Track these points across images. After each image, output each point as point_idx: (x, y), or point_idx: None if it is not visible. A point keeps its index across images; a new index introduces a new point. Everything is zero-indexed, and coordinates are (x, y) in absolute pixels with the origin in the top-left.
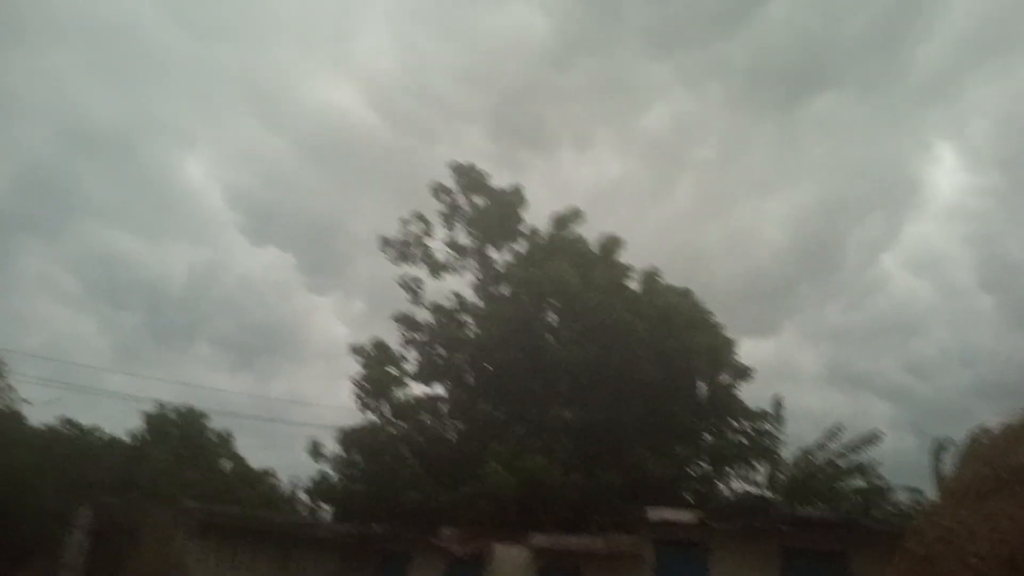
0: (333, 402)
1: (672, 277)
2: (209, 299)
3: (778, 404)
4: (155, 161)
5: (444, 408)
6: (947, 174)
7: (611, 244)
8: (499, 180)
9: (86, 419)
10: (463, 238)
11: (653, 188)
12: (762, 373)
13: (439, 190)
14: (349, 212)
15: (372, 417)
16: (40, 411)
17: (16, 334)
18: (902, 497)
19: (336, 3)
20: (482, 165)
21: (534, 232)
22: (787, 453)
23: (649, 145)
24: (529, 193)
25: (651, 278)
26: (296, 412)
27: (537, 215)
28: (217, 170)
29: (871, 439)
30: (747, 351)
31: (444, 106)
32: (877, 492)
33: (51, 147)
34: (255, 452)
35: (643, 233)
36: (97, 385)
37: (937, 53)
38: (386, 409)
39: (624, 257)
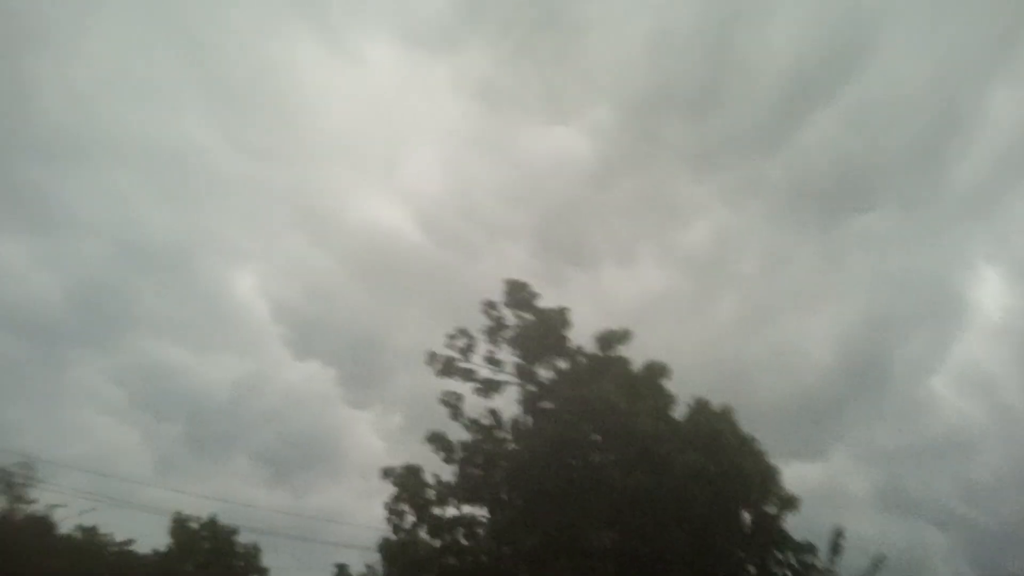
0: (368, 519)
1: (714, 394)
2: (250, 412)
3: (838, 534)
4: (206, 276)
5: (480, 529)
6: (992, 291)
7: (657, 370)
8: (541, 295)
9: (122, 530)
10: (506, 355)
11: (695, 302)
12: (811, 499)
13: (488, 306)
14: (392, 327)
15: (406, 536)
16: (74, 521)
17: (59, 443)
18: None
19: (386, 126)
20: (529, 281)
21: (579, 350)
22: None
23: (691, 260)
24: (571, 307)
25: (700, 405)
26: (330, 530)
27: (579, 329)
28: (265, 285)
29: None
30: (794, 474)
31: (488, 224)
32: None
33: (108, 262)
34: (288, 571)
35: (685, 347)
36: (134, 497)
37: (976, 170)
38: (421, 529)
39: (669, 378)
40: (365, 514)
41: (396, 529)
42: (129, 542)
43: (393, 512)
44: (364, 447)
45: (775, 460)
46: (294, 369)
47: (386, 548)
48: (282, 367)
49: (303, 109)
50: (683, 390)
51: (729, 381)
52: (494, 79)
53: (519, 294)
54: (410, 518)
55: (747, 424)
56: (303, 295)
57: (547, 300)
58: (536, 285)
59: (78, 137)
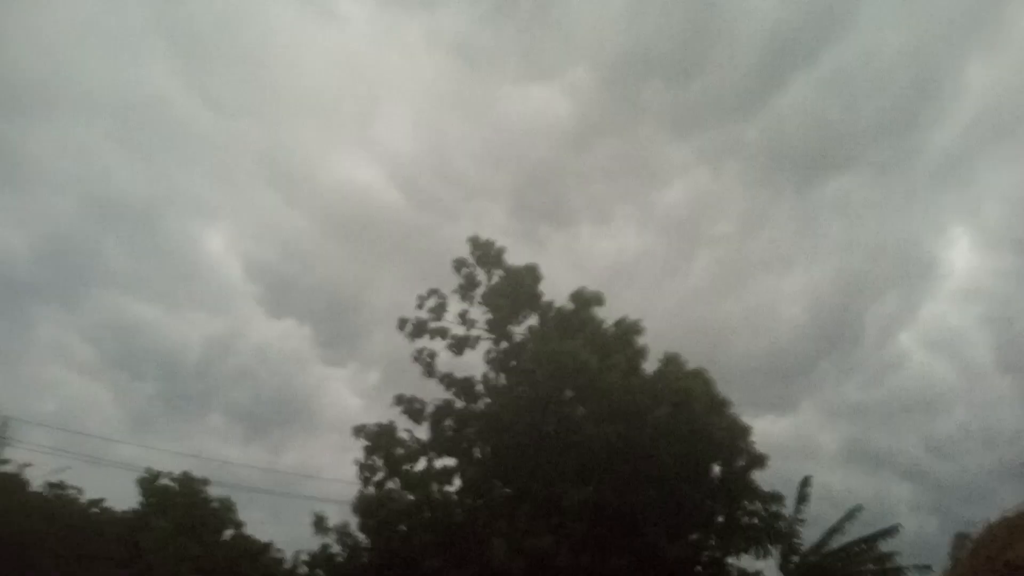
0: (344, 475)
1: (690, 352)
2: (225, 369)
3: (804, 484)
4: (176, 232)
5: (453, 483)
6: (963, 254)
7: (629, 327)
8: (518, 255)
9: (96, 488)
10: (478, 312)
11: (671, 263)
12: (781, 450)
13: (460, 264)
14: (368, 286)
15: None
16: (44, 479)
17: (29, 401)
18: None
19: (361, 84)
20: (502, 241)
21: (551, 308)
22: (807, 535)
23: (668, 221)
24: (548, 267)
25: (671, 361)
26: (306, 485)
27: (556, 288)
28: (237, 242)
29: (890, 532)
30: (766, 428)
31: (465, 184)
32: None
33: (75, 217)
34: (264, 526)
35: (661, 307)
36: (108, 455)
37: (950, 136)
38: (394, 483)
39: (643, 336)
40: (341, 470)
41: (367, 483)
42: (99, 501)
43: (365, 468)
44: (340, 404)
45: (747, 414)
46: (268, 327)
47: (360, 503)
48: (256, 325)
49: (275, 64)
50: (658, 348)
51: (704, 340)
52: (471, 37)
53: (487, 251)
54: (381, 473)
55: (721, 381)
56: (276, 253)
57: (525, 259)
58: (513, 245)
59: (44, 90)
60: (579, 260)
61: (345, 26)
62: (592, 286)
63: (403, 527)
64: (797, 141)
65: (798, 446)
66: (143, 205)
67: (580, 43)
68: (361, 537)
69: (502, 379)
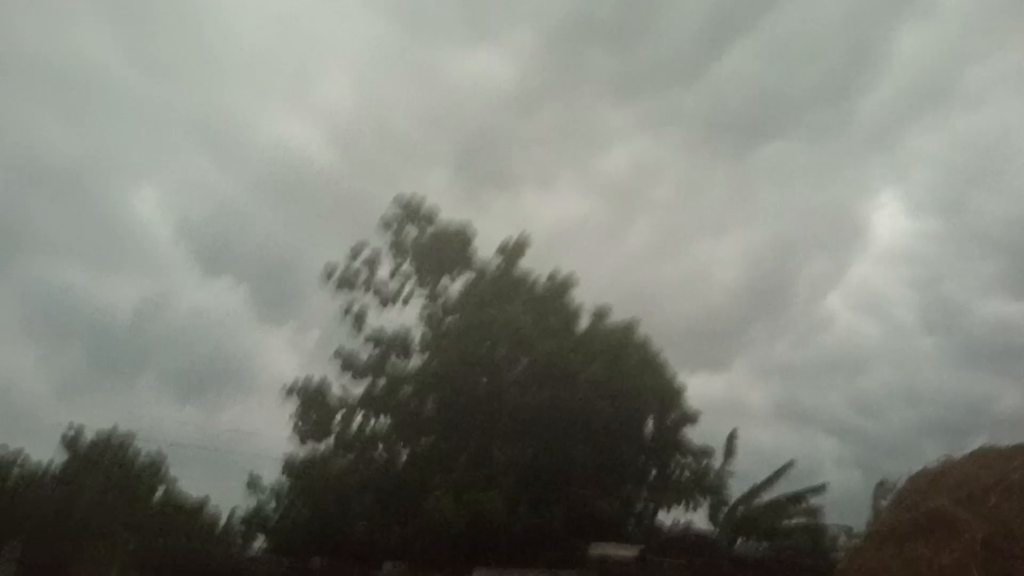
0: (283, 434)
1: (628, 314)
2: (158, 331)
3: (732, 437)
4: (104, 195)
5: (389, 441)
6: (890, 219)
7: (564, 283)
8: (461, 219)
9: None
10: (411, 269)
11: (611, 227)
12: (713, 408)
13: (387, 223)
14: (306, 248)
15: (310, 451)
16: None
17: None
18: (841, 536)
19: (297, 45)
20: (444, 204)
21: (484, 268)
22: (734, 489)
23: (608, 185)
24: (490, 230)
25: (600, 316)
26: (245, 445)
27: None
28: (170, 204)
29: (818, 490)
30: (699, 386)
31: (406, 148)
32: (818, 532)
33: (0, 181)
34: (200, 485)
35: (601, 271)
36: (38, 421)
37: (881, 103)
38: (329, 442)
39: (580, 294)
40: (280, 430)
41: (302, 441)
42: (19, 451)
43: (298, 427)
44: (278, 364)
45: (682, 373)
46: (203, 287)
47: (289, 465)
48: (190, 286)
49: (208, 24)
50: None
51: (642, 302)
52: None
53: (416, 209)
54: (318, 429)
55: (658, 341)
56: (210, 214)
57: (467, 223)
58: (455, 209)
59: None
60: (521, 224)
61: None
62: (533, 249)
63: (333, 490)
64: (735, 108)
65: (730, 404)
66: (71, 167)
67: (523, 5)
68: (295, 497)
69: (435, 338)
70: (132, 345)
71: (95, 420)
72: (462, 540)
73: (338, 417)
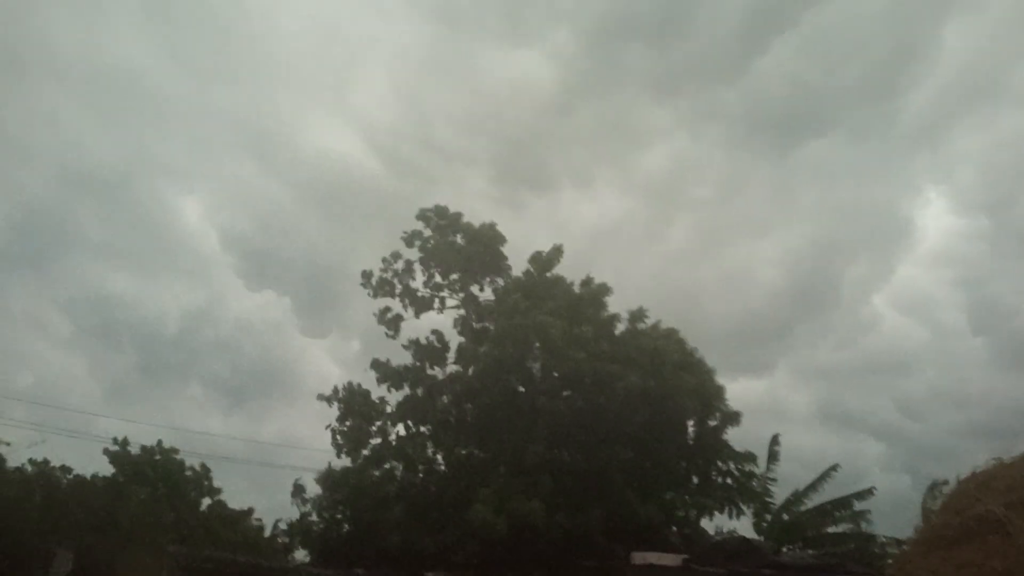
0: (324, 444)
1: (667, 315)
2: (203, 341)
3: (774, 442)
4: (151, 202)
5: (427, 449)
6: (936, 218)
7: (598, 291)
8: (500, 220)
9: (73, 462)
10: (441, 278)
11: (651, 227)
12: (755, 412)
13: (412, 236)
14: (348, 255)
15: (349, 461)
16: (22, 453)
17: (4, 375)
18: (889, 542)
19: (337, 50)
20: (482, 207)
21: (516, 275)
22: (778, 495)
23: (648, 185)
24: (529, 232)
25: (637, 319)
26: (287, 455)
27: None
28: (214, 212)
29: (864, 494)
30: (741, 390)
31: (445, 151)
32: (865, 538)
33: (48, 187)
34: (245, 495)
35: (641, 271)
36: (85, 428)
37: (926, 101)
38: (367, 451)
39: (616, 301)
40: (322, 439)
41: (340, 451)
42: (69, 470)
43: (339, 435)
44: (321, 374)
45: (723, 377)
46: (247, 298)
47: (325, 477)
48: (234, 296)
49: (250, 30)
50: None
51: (682, 303)
52: (451, 0)
53: (438, 218)
54: (357, 437)
55: (698, 344)
56: (254, 223)
57: (507, 225)
58: (494, 211)
59: (14, 56)
60: (560, 225)
61: None
62: (573, 250)
63: (370, 500)
64: (777, 105)
65: (773, 408)
66: (117, 174)
67: (562, 6)
68: (340, 501)
69: (471, 346)
70: (179, 353)
71: (141, 428)
72: (501, 548)
73: (376, 426)
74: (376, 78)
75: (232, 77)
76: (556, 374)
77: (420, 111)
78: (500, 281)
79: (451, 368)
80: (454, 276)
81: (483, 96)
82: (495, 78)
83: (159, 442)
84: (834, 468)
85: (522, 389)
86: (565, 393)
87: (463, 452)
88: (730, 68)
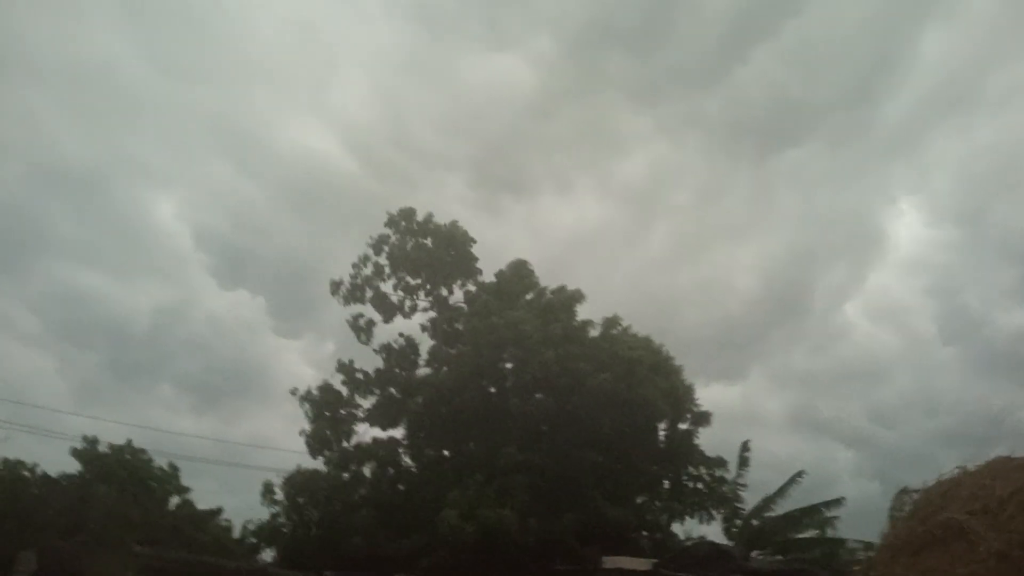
0: (297, 445)
1: (644, 321)
2: (175, 340)
3: (744, 448)
4: (124, 200)
5: (399, 452)
6: (909, 227)
7: (571, 297)
8: (479, 224)
9: (42, 461)
10: (412, 280)
11: (629, 233)
12: (729, 418)
13: (379, 242)
14: (324, 256)
15: (322, 463)
16: None
17: None
18: (859, 546)
19: (315, 50)
20: (461, 210)
21: (490, 280)
22: (749, 499)
23: (627, 191)
24: (508, 236)
25: (611, 325)
26: (259, 456)
27: (514, 256)
28: (187, 211)
29: (834, 503)
30: (715, 395)
31: (424, 153)
32: (832, 543)
33: (20, 184)
34: (216, 495)
35: (618, 277)
36: (54, 426)
37: (902, 110)
38: (339, 454)
39: (593, 304)
40: (295, 441)
41: (314, 453)
42: (33, 467)
43: (311, 437)
44: (294, 375)
45: (698, 382)
46: (220, 298)
47: (290, 481)
48: (207, 295)
49: (226, 29)
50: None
51: (659, 309)
52: (431, 3)
53: (406, 221)
54: (326, 438)
55: (674, 349)
56: (228, 222)
57: (484, 230)
58: (473, 215)
59: None
60: (539, 230)
61: None
62: (551, 255)
63: (338, 503)
64: (756, 113)
65: (746, 414)
66: (90, 172)
67: (543, 11)
68: (306, 505)
69: (441, 346)
70: (150, 352)
71: (112, 428)
72: (471, 553)
73: (346, 428)
74: (354, 79)
75: (208, 76)
76: (528, 375)
77: (399, 112)
78: (470, 285)
79: (422, 371)
80: (420, 280)
81: (462, 99)
82: (475, 81)
83: (128, 441)
84: (800, 475)
85: (494, 391)
86: (537, 395)
87: (433, 454)
88: (710, 76)
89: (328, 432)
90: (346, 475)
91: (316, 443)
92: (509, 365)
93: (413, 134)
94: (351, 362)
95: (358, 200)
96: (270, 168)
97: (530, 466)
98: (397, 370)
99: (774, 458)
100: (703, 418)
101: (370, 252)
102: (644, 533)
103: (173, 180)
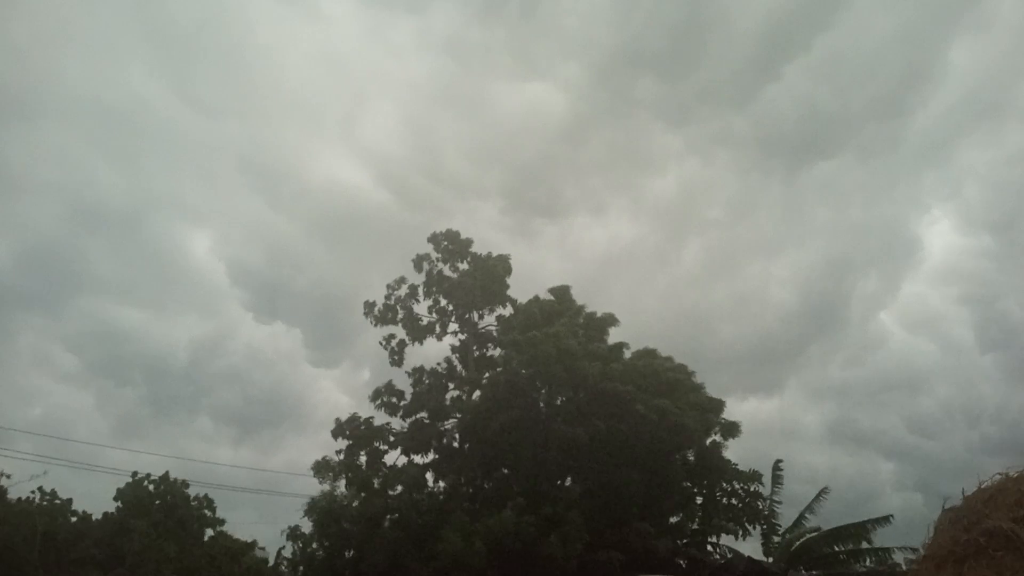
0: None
1: (680, 338)
2: (212, 374)
3: (776, 468)
4: (160, 237)
5: (429, 479)
6: (942, 235)
7: (604, 321)
8: (513, 249)
9: (83, 495)
10: (445, 302)
11: (663, 250)
12: (766, 432)
13: (420, 260)
14: (359, 287)
15: (352, 488)
16: (24, 486)
17: (13, 410)
18: (899, 559)
19: (346, 84)
20: (494, 237)
21: (526, 302)
22: (786, 515)
23: (659, 209)
24: (541, 259)
25: (648, 355)
26: (297, 484)
27: (550, 279)
28: (222, 246)
29: (882, 521)
30: (752, 409)
31: (457, 182)
32: (880, 553)
33: (58, 224)
34: (254, 526)
35: (652, 294)
36: (94, 461)
37: (933, 120)
38: (374, 481)
39: (627, 324)
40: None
41: (336, 478)
42: (68, 503)
43: (346, 466)
44: (331, 404)
45: (734, 397)
46: (257, 331)
47: (311, 509)
48: (244, 329)
49: (258, 64)
50: (648, 336)
51: (694, 325)
52: (461, 35)
53: (452, 244)
54: (354, 465)
55: (710, 366)
56: (263, 256)
57: (519, 253)
58: (506, 239)
59: (19, 93)
60: (572, 251)
61: (329, 25)
62: (584, 275)
63: (359, 530)
64: (787, 128)
65: (783, 427)
66: (126, 209)
67: (572, 39)
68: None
69: (473, 370)
70: (188, 387)
71: (151, 461)
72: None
73: (376, 452)
74: (385, 111)
75: (240, 112)
76: (572, 394)
77: (430, 142)
78: (501, 309)
79: (453, 394)
80: (453, 303)
81: (494, 127)
82: (506, 109)
83: (166, 474)
84: (824, 491)
85: (532, 413)
86: (594, 421)
87: (462, 480)
88: (741, 94)
89: (362, 459)
90: (376, 501)
91: (342, 469)
92: (543, 390)
93: (445, 164)
94: (386, 385)
95: (391, 231)
96: (302, 202)
97: (581, 496)
98: (430, 391)
99: (813, 472)
100: (732, 429)
101: (407, 273)
102: (680, 544)
103: (207, 216)
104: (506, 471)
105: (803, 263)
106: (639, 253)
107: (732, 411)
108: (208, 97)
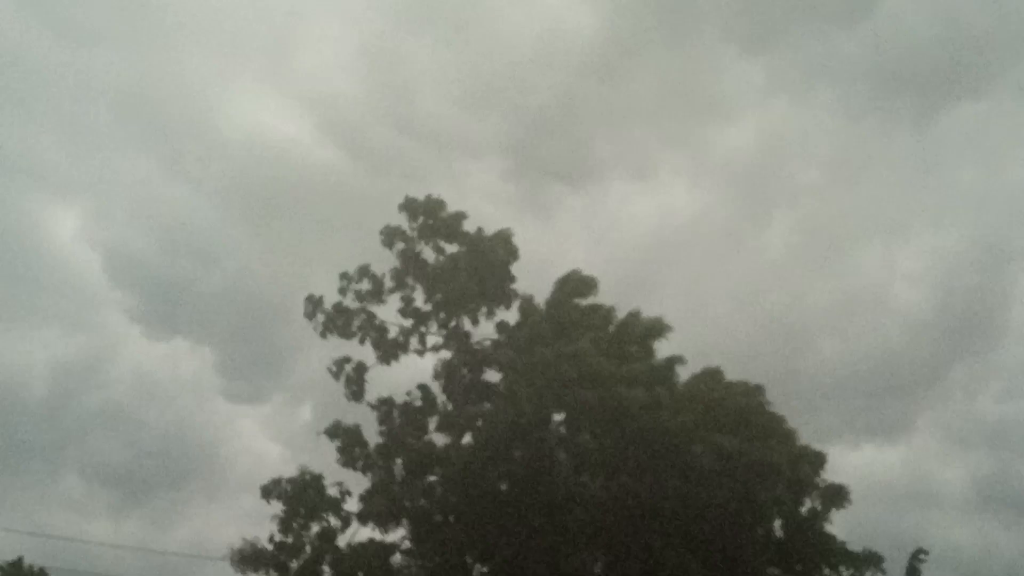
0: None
1: (761, 357)
2: (84, 413)
3: (916, 556)
4: (6, 216)
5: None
6: None
7: (650, 329)
8: (522, 228)
9: None
10: (424, 302)
11: (736, 229)
12: (887, 494)
13: (391, 233)
14: (296, 287)
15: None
16: None
17: None
18: None
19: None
20: (494, 211)
21: (531, 301)
22: None
23: (732, 171)
24: (562, 241)
25: (711, 377)
26: (206, 570)
27: (569, 269)
28: (97, 229)
29: None
30: (866, 461)
31: (439, 136)
32: None
33: None
34: None
35: (720, 291)
36: None
37: None
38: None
39: (684, 333)
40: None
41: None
42: None
43: (282, 545)
44: (255, 454)
45: (841, 441)
46: (147, 350)
47: None
48: (129, 348)
49: None
50: (715, 350)
51: (781, 337)
52: None
53: (429, 214)
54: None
55: (804, 396)
56: (155, 243)
57: (532, 232)
58: (514, 214)
59: None
60: (604, 231)
61: None
62: (621, 265)
63: None
64: (916, 55)
65: (912, 487)
66: None
67: None
68: None
69: (462, 403)
70: (49, 430)
71: None
72: None
73: (326, 525)
74: (332, 34)
75: (122, 36)
76: (604, 436)
77: (398, 78)
78: (502, 312)
79: (434, 436)
80: (436, 303)
81: (494, 57)
82: (511, 32)
83: (19, 560)
84: (921, 553)
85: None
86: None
87: (447, 563)
88: (848, 7)
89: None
90: None
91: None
92: (562, 429)
93: (421, 108)
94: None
95: (343, 203)
96: (213, 164)
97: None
98: (401, 434)
99: (956, 552)
100: (837, 494)
101: (374, 256)
102: None
103: (75, 185)
104: (509, 547)
105: (941, 249)
106: (701, 234)
107: (838, 464)
108: (84, 20)
